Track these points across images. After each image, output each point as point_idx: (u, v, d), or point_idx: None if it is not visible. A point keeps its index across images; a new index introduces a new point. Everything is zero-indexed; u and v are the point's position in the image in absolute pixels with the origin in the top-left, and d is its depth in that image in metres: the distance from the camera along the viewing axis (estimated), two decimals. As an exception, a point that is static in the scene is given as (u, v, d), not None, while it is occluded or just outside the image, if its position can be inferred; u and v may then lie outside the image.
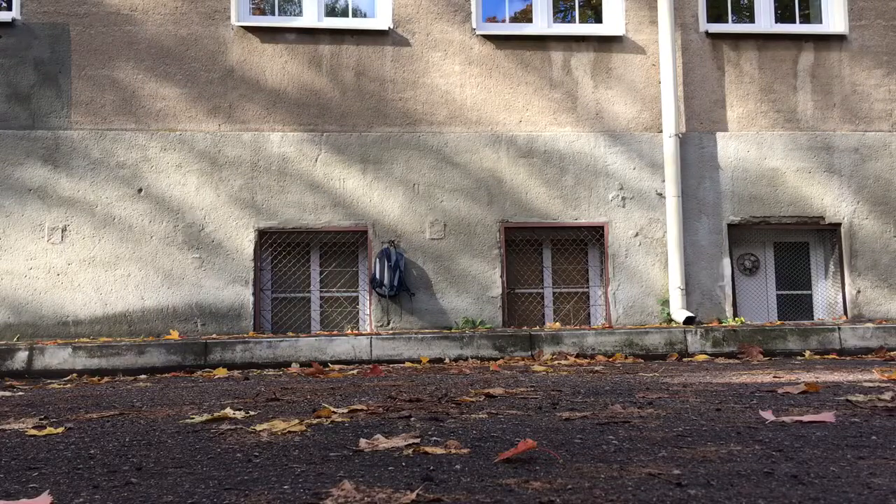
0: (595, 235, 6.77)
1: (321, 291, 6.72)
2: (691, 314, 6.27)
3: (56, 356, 4.86)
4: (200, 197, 6.46)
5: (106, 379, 4.33)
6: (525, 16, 7.08)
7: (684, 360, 4.93)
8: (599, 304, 6.82)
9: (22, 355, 4.85)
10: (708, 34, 6.89)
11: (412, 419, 2.16)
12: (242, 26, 6.60)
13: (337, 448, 1.76)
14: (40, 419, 2.37)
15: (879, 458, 1.55)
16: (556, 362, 4.65)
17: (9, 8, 6.57)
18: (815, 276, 7.02)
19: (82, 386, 3.83)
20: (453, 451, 1.68)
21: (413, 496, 1.27)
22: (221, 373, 4.42)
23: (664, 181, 6.69)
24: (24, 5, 6.45)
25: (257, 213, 6.49)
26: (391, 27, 6.70)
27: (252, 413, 2.36)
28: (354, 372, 4.16)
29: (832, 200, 6.82)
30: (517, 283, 6.80)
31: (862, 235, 6.80)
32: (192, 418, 2.28)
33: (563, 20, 7.26)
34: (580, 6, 7.17)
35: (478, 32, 6.76)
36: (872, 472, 1.41)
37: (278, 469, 1.55)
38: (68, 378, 4.49)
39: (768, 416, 2.06)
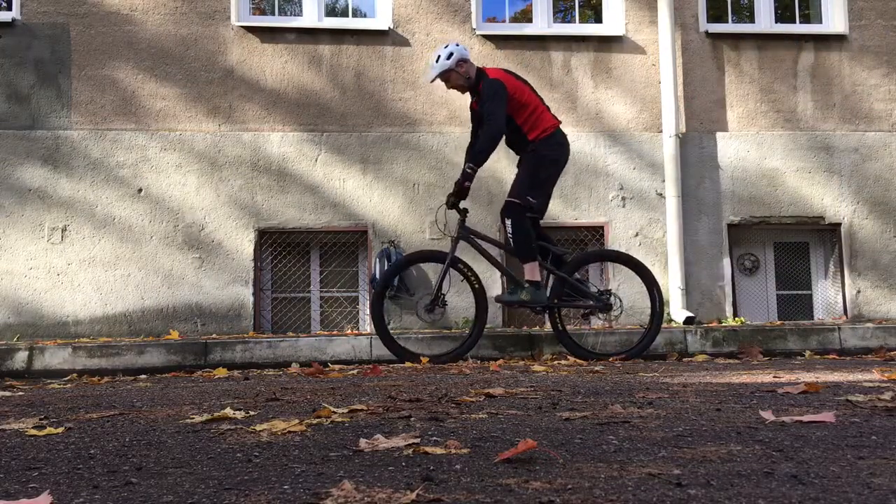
0: (595, 235, 6.77)
1: (321, 291, 6.73)
2: (691, 314, 6.27)
3: (56, 356, 4.86)
4: (200, 197, 6.46)
5: (106, 379, 4.33)
6: (525, 16, 7.09)
7: (684, 360, 4.93)
8: (599, 304, 6.81)
9: (22, 355, 4.85)
10: (708, 34, 6.89)
11: (412, 419, 2.16)
12: (242, 26, 6.60)
13: (337, 448, 1.76)
14: (40, 419, 2.37)
15: (879, 458, 1.55)
16: (556, 362, 4.65)
17: (9, 8, 6.57)
18: (815, 276, 7.02)
19: (82, 386, 3.83)
20: (453, 451, 1.68)
21: (413, 496, 1.27)
22: (221, 373, 4.41)
23: (664, 181, 6.69)
24: (24, 5, 6.45)
25: (257, 213, 6.50)
26: (391, 27, 6.70)
27: (252, 413, 2.36)
28: (354, 372, 4.16)
29: (832, 200, 6.82)
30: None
31: (862, 235, 6.80)
32: (192, 418, 2.28)
33: (563, 20, 7.26)
34: (580, 6, 7.18)
35: (478, 32, 6.76)
36: (872, 472, 1.41)
37: (278, 469, 1.55)
38: (68, 378, 4.49)
39: (768, 416, 2.06)
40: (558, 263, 4.91)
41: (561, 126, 4.92)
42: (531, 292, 4.75)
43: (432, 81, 5.04)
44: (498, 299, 5.01)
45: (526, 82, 4.90)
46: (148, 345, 4.99)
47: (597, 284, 4.96)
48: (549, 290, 4.87)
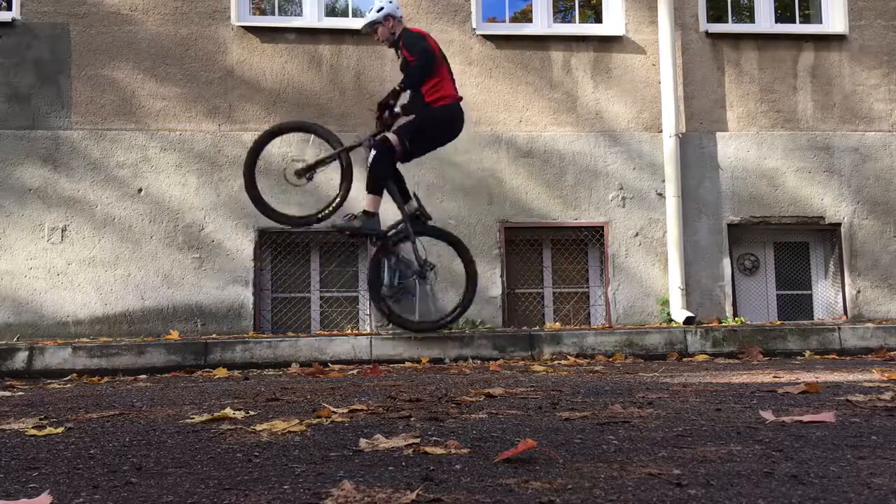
0: (595, 235, 6.77)
1: (321, 291, 6.72)
2: (691, 314, 6.27)
3: (56, 356, 4.86)
4: (200, 197, 6.46)
5: (106, 379, 4.33)
6: (525, 16, 7.09)
7: (684, 360, 4.93)
8: (599, 304, 6.82)
9: (22, 355, 4.85)
10: (708, 34, 6.89)
11: (412, 419, 2.17)
12: (242, 26, 6.60)
13: (337, 448, 1.76)
14: (40, 419, 2.37)
15: (879, 458, 1.55)
16: (556, 362, 4.65)
17: (9, 8, 6.57)
18: (815, 276, 7.02)
19: (82, 386, 3.83)
20: (453, 451, 1.68)
21: (413, 496, 1.27)
22: (221, 373, 4.41)
23: (664, 181, 6.69)
24: (24, 5, 6.45)
25: (257, 213, 6.47)
26: (391, 27, 6.69)
27: (252, 413, 2.36)
28: (354, 372, 4.16)
29: (832, 200, 6.82)
30: (517, 283, 6.80)
31: (862, 235, 6.80)
32: (192, 418, 2.28)
33: (563, 20, 7.26)
34: (580, 6, 7.18)
35: (478, 32, 6.76)
36: (872, 472, 1.41)
37: (278, 469, 1.55)
38: (68, 378, 4.49)
39: (768, 416, 2.06)
40: (415, 220, 5.25)
41: (460, 103, 5.15)
42: (363, 220, 5.06)
43: (363, 32, 5.34)
44: (333, 224, 5.25)
45: (442, 54, 5.15)
46: (148, 345, 4.99)
47: (424, 257, 5.36)
48: (393, 231, 5.21)
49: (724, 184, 6.78)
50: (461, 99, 5.18)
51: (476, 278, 5.36)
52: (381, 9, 5.10)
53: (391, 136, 5.05)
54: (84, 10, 6.50)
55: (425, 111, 5.07)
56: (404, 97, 5.07)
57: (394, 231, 5.22)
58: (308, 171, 5.17)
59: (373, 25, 5.15)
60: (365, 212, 5.09)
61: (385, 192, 5.18)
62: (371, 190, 5.09)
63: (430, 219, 5.41)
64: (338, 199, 5.19)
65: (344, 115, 6.62)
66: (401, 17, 5.18)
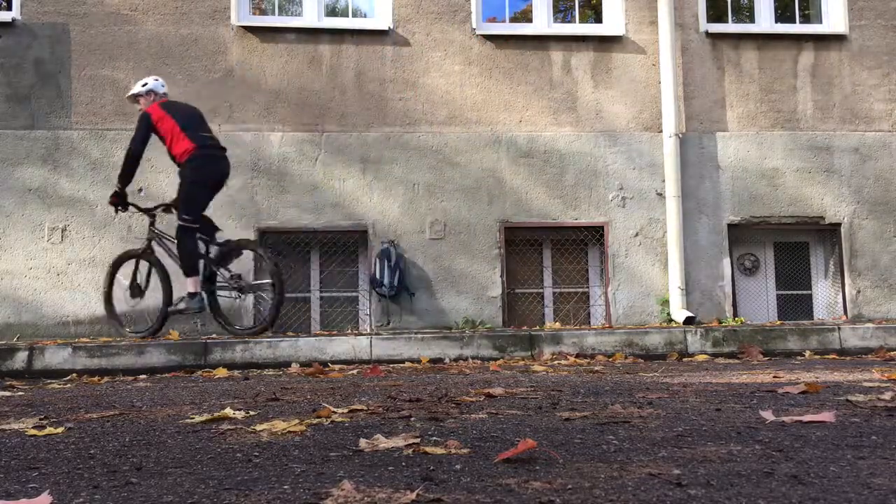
0: (595, 235, 6.77)
1: (321, 291, 6.72)
2: (691, 314, 6.27)
3: (56, 356, 4.86)
4: (200, 197, 6.45)
5: (106, 379, 4.33)
6: (525, 16, 7.09)
7: (684, 360, 4.93)
8: (599, 304, 6.82)
9: (22, 355, 4.84)
10: (708, 34, 6.89)
11: (412, 419, 2.17)
12: (242, 26, 6.60)
13: (337, 448, 1.76)
14: (40, 419, 2.37)
15: (879, 458, 1.55)
16: (556, 362, 4.65)
17: (9, 8, 6.57)
18: (815, 276, 7.02)
19: (82, 386, 3.83)
20: (453, 451, 1.68)
21: (413, 496, 1.27)
22: (221, 373, 4.41)
23: (664, 181, 6.69)
24: (24, 5, 6.45)
25: (257, 213, 6.49)
26: (391, 27, 6.70)
27: (252, 413, 2.36)
28: (354, 372, 4.16)
29: (832, 200, 6.82)
30: (517, 283, 6.80)
31: (862, 235, 6.80)
32: (192, 418, 2.28)
33: (563, 20, 7.26)
34: (580, 6, 7.18)
35: (478, 32, 6.76)
36: (872, 472, 1.41)
37: (278, 469, 1.55)
38: (68, 378, 4.49)
39: (768, 416, 2.06)
40: (223, 257, 5.55)
41: (203, 147, 5.33)
42: (187, 301, 5.46)
43: (127, 97, 5.69)
44: (169, 310, 5.60)
45: (175, 113, 5.37)
46: (148, 345, 4.99)
47: (231, 271, 5.59)
48: (207, 293, 5.55)
49: (724, 184, 6.78)
50: (201, 146, 5.31)
51: (280, 274, 5.36)
52: (146, 84, 5.55)
53: (178, 220, 5.40)
54: (84, 10, 6.50)
55: (181, 172, 5.38)
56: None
57: (208, 293, 5.51)
58: (135, 289, 5.75)
59: (135, 98, 5.56)
60: (189, 294, 5.42)
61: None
62: (185, 272, 5.41)
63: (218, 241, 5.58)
64: (164, 297, 5.58)
65: (344, 115, 6.63)
66: (162, 94, 5.54)
